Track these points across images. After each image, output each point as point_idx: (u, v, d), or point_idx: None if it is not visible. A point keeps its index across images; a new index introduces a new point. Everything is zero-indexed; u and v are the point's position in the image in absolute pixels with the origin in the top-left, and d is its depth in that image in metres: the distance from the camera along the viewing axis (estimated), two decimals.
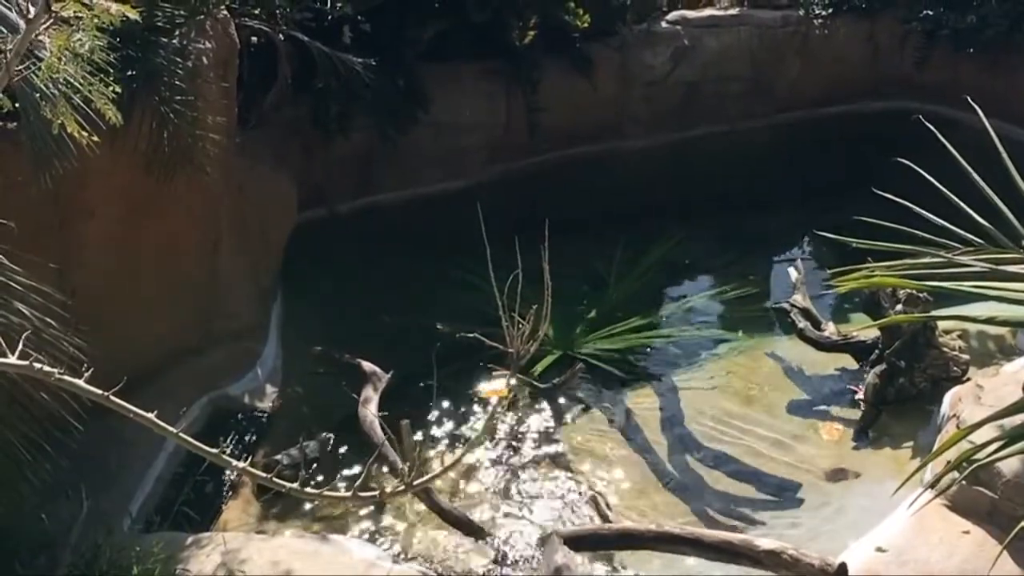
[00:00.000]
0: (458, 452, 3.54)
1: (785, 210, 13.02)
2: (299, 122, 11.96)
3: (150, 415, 3.29)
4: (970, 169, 4.03)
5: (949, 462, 3.49)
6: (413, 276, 11.49)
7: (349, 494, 3.28)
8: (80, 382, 3.35)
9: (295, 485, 3.26)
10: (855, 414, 9.47)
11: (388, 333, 10.45)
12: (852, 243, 4.26)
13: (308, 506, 8.40)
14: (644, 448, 9.35)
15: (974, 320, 3.62)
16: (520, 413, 9.61)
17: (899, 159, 4.93)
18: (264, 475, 3.36)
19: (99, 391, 3.35)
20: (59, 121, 5.14)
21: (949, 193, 4.08)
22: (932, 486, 6.96)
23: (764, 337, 10.95)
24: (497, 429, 9.37)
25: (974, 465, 3.34)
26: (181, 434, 3.32)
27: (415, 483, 3.43)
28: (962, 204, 4.01)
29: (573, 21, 13.40)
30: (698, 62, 14.61)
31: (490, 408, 3.25)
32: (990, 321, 3.54)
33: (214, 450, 3.34)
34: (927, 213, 4.07)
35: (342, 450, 9.08)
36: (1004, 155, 4.01)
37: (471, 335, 4.33)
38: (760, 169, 14.32)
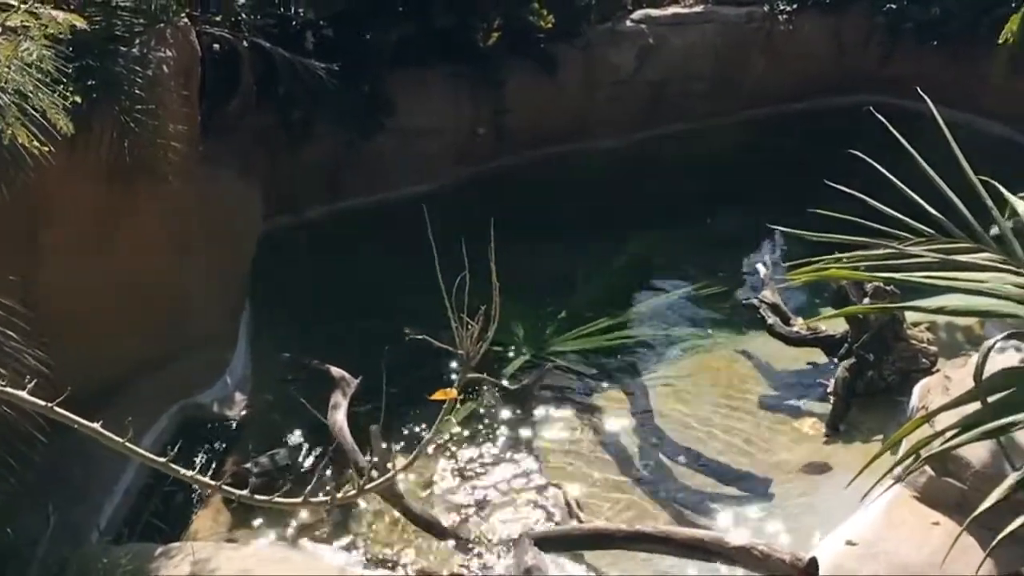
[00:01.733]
0: (410, 456, 3.51)
1: (753, 207, 13.01)
2: (264, 129, 11.91)
3: (95, 425, 3.25)
4: (921, 160, 4.03)
5: (911, 452, 3.48)
6: (381, 281, 11.47)
7: (300, 500, 3.26)
8: (22, 394, 3.31)
9: (244, 492, 3.24)
10: (825, 408, 9.48)
11: (357, 338, 10.42)
12: (806, 236, 4.24)
13: (280, 513, 8.37)
14: (615, 447, 9.34)
15: (924, 310, 3.63)
16: (490, 415, 9.62)
17: (853, 152, 4.91)
18: (212, 483, 3.33)
19: (42, 403, 3.31)
20: (9, 131, 5.08)
21: (901, 185, 4.07)
22: (902, 478, 6.98)
23: (734, 334, 10.97)
24: (469, 431, 9.40)
25: (927, 455, 3.33)
26: (127, 443, 3.29)
27: (366, 487, 3.41)
28: (913, 195, 4.00)
29: (537, 22, 13.39)
30: (663, 61, 14.60)
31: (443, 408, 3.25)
32: (940, 311, 3.53)
33: (161, 459, 3.32)
34: (880, 205, 4.06)
35: (312, 457, 9.05)
36: (953, 144, 4.00)
37: (420, 337, 4.30)
38: (728, 166, 14.33)
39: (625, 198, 13.71)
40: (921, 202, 4.01)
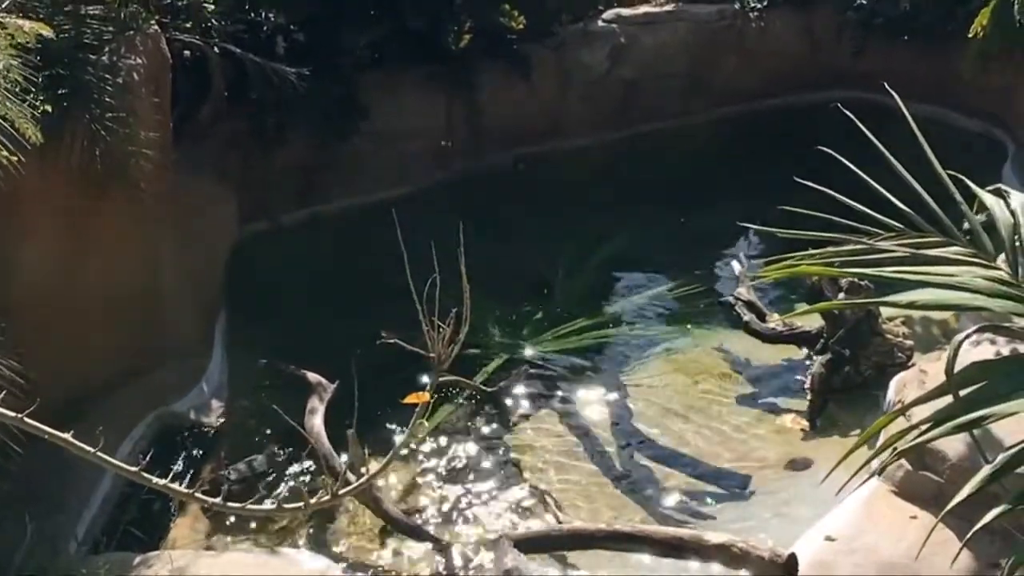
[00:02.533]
0: (383, 461, 3.51)
1: (728, 204, 12.99)
2: (237, 134, 11.89)
3: (66, 436, 3.24)
4: (889, 155, 4.03)
5: (886, 446, 3.50)
6: (357, 284, 11.43)
7: (274, 507, 3.25)
8: None
9: (218, 500, 3.24)
10: (802, 404, 9.50)
11: (333, 343, 10.39)
12: (778, 233, 4.25)
13: (259, 519, 8.35)
14: (593, 447, 9.35)
15: (896, 305, 3.64)
16: (467, 417, 9.63)
17: (821, 148, 4.92)
18: (186, 491, 3.32)
19: (12, 414, 3.30)
20: None
21: (870, 180, 4.08)
22: (878, 472, 6.99)
23: (711, 331, 10.99)
24: (446, 434, 9.41)
25: (901, 448, 3.34)
26: (99, 453, 3.28)
27: (341, 492, 3.41)
28: (883, 191, 4.01)
29: (508, 23, 13.38)
30: (636, 60, 14.60)
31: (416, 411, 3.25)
32: (911, 306, 3.53)
33: (133, 468, 3.31)
34: (850, 201, 4.06)
35: (290, 462, 9.04)
36: (921, 139, 4.01)
37: (392, 341, 4.29)
38: (702, 164, 14.34)
39: (600, 197, 13.70)
40: (891, 197, 4.02)
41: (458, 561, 7.93)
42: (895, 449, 3.43)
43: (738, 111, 15.10)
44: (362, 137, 12.70)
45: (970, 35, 9.53)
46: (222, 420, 9.68)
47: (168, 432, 9.39)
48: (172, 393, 9.65)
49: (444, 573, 7.82)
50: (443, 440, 9.41)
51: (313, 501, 3.42)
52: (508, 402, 9.89)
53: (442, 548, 8.05)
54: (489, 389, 9.84)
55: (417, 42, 13.15)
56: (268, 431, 9.37)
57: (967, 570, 6.30)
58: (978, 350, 6.13)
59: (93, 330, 8.91)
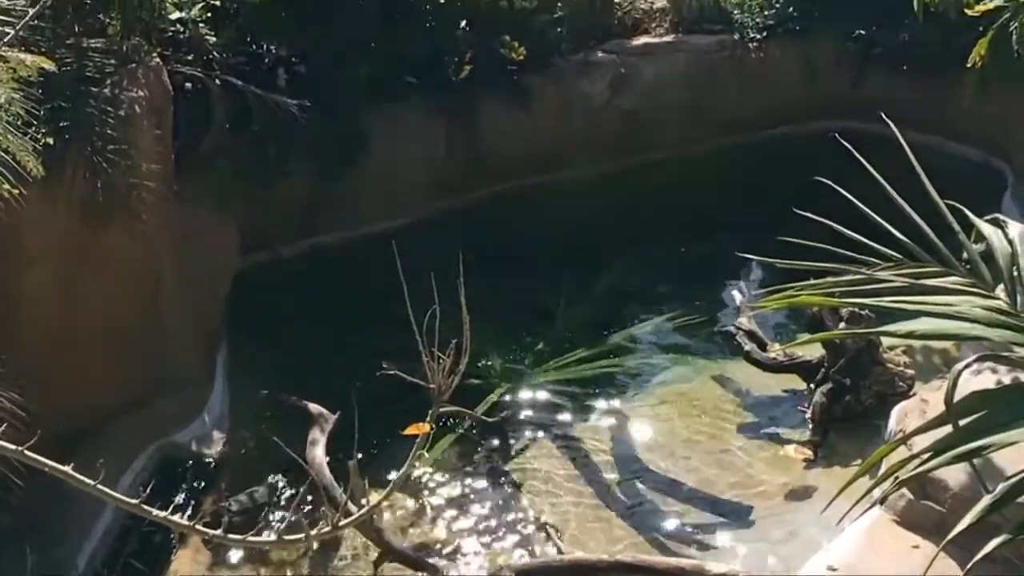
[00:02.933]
0: (384, 492, 3.51)
1: (729, 233, 12.99)
2: (238, 166, 11.88)
3: (66, 468, 3.24)
4: (886, 185, 4.05)
5: (887, 475, 3.50)
6: (358, 315, 11.43)
7: (275, 539, 3.25)
8: None
9: (219, 532, 3.24)
10: (804, 433, 9.50)
11: (335, 373, 10.38)
12: (777, 263, 4.26)
13: (260, 551, 8.34)
14: (595, 477, 9.34)
15: (895, 335, 3.65)
16: (469, 447, 9.63)
17: (820, 178, 4.94)
18: (186, 523, 3.32)
19: (12, 447, 3.30)
20: None
21: (867, 210, 4.10)
22: (880, 502, 6.99)
23: (712, 361, 10.99)
24: (448, 464, 9.40)
25: (901, 478, 3.34)
26: (99, 486, 3.28)
27: (341, 523, 3.41)
28: (881, 221, 4.02)
29: (509, 54, 13.40)
30: (636, 90, 14.59)
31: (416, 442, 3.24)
32: (910, 335, 3.54)
33: (134, 500, 3.31)
34: (848, 231, 4.08)
35: (291, 493, 9.03)
36: (918, 168, 4.03)
37: (392, 372, 4.30)
38: (702, 194, 14.30)
39: (601, 227, 13.69)
40: (889, 227, 4.04)
41: None
42: (896, 478, 3.43)
43: (738, 141, 15.08)
44: (363, 167, 12.70)
45: (968, 65, 9.54)
46: (223, 451, 9.68)
47: (169, 463, 9.39)
48: (173, 424, 9.65)
49: None
50: (444, 471, 9.41)
51: (314, 532, 3.42)
52: (509, 432, 9.89)
53: None
54: (490, 419, 9.83)
55: (417, 73, 13.18)
56: (269, 462, 9.36)
57: None
58: (979, 379, 6.13)
59: (94, 361, 8.92)
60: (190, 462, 9.50)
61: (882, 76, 14.28)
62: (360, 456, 7.36)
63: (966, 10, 8.00)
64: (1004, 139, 13.32)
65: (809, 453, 9.38)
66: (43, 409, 6.60)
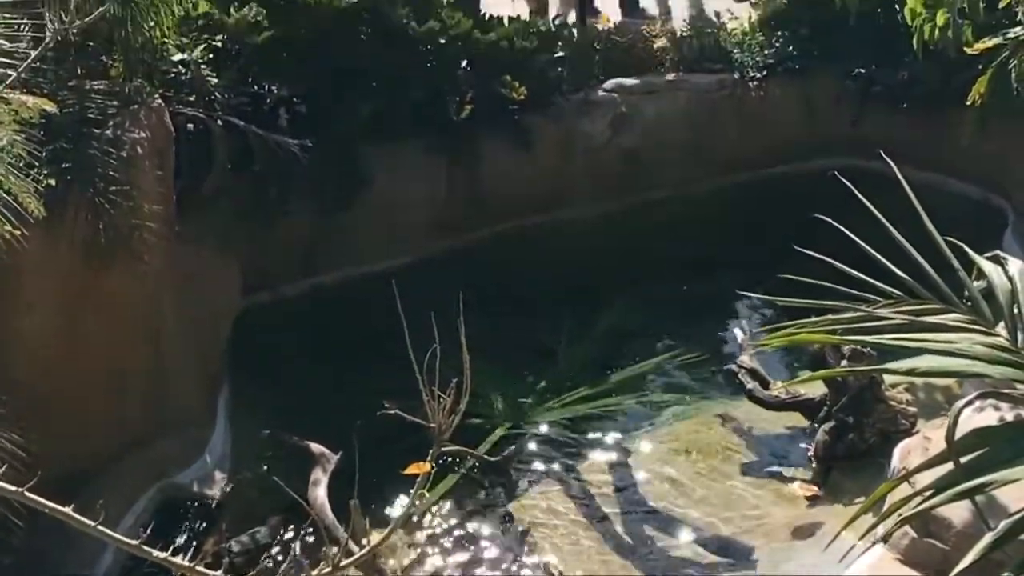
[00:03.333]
0: (386, 531, 3.51)
1: (730, 271, 13.00)
2: (240, 206, 11.90)
3: (66, 509, 3.24)
4: (886, 222, 4.06)
5: (889, 513, 3.50)
6: (360, 354, 11.42)
7: None
8: None
9: (219, 573, 3.23)
10: (807, 472, 9.48)
11: (337, 413, 10.38)
12: (778, 301, 4.27)
13: None
14: (597, 516, 9.33)
15: (896, 372, 3.66)
16: (471, 487, 9.61)
17: (819, 216, 4.96)
18: (187, 564, 3.31)
19: (12, 488, 3.30)
20: None
21: (868, 248, 4.11)
22: (884, 539, 6.97)
23: (714, 399, 10.98)
24: (449, 504, 9.39)
25: (903, 516, 3.34)
26: (99, 527, 3.28)
27: (342, 563, 3.40)
28: (881, 258, 4.03)
29: (509, 94, 13.44)
30: (637, 129, 14.60)
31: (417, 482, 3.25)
32: (911, 373, 3.55)
33: (134, 541, 3.30)
34: (849, 269, 4.09)
35: (293, 534, 9.01)
36: (918, 206, 4.04)
37: (392, 412, 4.30)
38: (703, 232, 14.30)
39: (602, 266, 13.69)
40: (889, 265, 4.05)
41: None
42: (899, 515, 3.43)
43: (739, 179, 15.08)
44: (364, 207, 12.72)
45: (968, 102, 9.57)
46: (225, 491, 9.66)
47: (171, 504, 9.38)
48: (175, 465, 9.64)
49: None
50: (446, 510, 9.39)
51: (315, 573, 3.41)
52: (511, 471, 9.87)
53: None
54: (492, 459, 9.83)
55: (418, 113, 13.21)
56: (271, 502, 9.34)
57: None
58: (981, 416, 6.11)
59: (95, 402, 8.92)
60: (191, 503, 9.48)
61: (882, 114, 14.30)
62: (361, 496, 7.32)
63: (965, 48, 8.01)
64: (1004, 177, 13.34)
65: (815, 489, 9.36)
66: (44, 450, 6.60)
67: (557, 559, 8.77)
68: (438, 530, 9.14)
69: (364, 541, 7.56)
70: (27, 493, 3.15)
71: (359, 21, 12.63)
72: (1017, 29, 8.62)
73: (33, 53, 5.85)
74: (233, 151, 11.45)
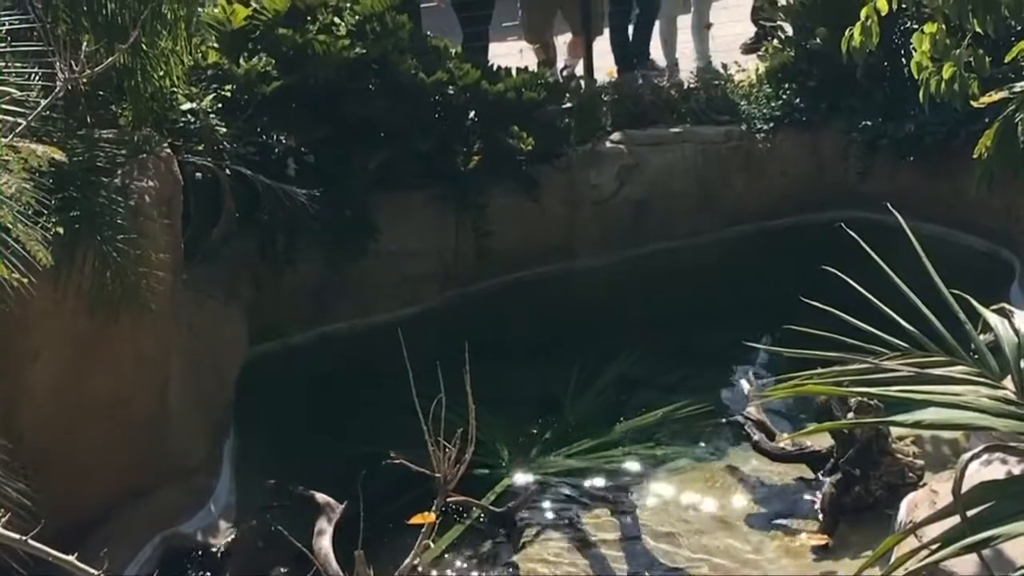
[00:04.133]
0: None
1: (738, 323, 12.97)
2: (248, 255, 11.95)
3: (70, 558, 3.23)
4: (893, 275, 4.07)
5: (896, 566, 3.49)
6: (368, 404, 11.42)
7: None
8: None
9: None
10: (813, 524, 9.44)
11: (342, 463, 10.36)
12: (784, 352, 4.28)
13: None
14: (603, 568, 9.27)
15: (902, 424, 3.67)
16: (476, 538, 9.58)
17: (826, 268, 4.97)
18: None
19: (17, 536, 3.30)
20: None
21: (875, 300, 4.12)
22: None
23: (720, 451, 10.93)
24: (454, 555, 9.36)
25: (909, 569, 3.34)
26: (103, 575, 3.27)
27: None
28: (888, 310, 4.04)
29: (517, 144, 13.49)
30: (644, 180, 14.63)
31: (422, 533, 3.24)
32: (917, 425, 3.55)
33: None
34: (855, 320, 4.09)
35: None
36: (924, 258, 4.05)
37: (398, 461, 4.31)
38: (711, 284, 14.32)
39: (609, 317, 13.70)
40: (896, 317, 4.05)
41: None
42: (906, 569, 3.42)
43: (747, 231, 15.11)
44: (371, 257, 12.76)
45: (975, 155, 9.59)
46: (230, 541, 9.63)
47: (175, 554, 9.34)
48: (179, 514, 9.61)
49: None
50: (450, 561, 9.36)
51: None
52: (516, 522, 9.84)
53: None
54: (497, 509, 9.80)
55: (426, 163, 13.26)
56: (276, 552, 9.30)
57: None
58: (988, 470, 6.09)
59: (100, 451, 8.90)
60: (196, 552, 9.44)
61: (889, 167, 14.33)
62: (366, 546, 7.30)
63: (972, 101, 8.04)
64: (1011, 229, 13.34)
65: (826, 538, 9.28)
66: (48, 499, 6.59)
67: None
68: None
69: None
70: (31, 541, 3.15)
71: (368, 72, 12.71)
72: (1023, 83, 8.66)
73: (43, 102, 5.89)
74: (241, 200, 11.49)
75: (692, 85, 15.74)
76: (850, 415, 9.25)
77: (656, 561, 9.37)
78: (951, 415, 3.58)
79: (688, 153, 14.89)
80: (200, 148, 10.83)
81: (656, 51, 17.16)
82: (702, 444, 11.11)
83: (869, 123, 14.51)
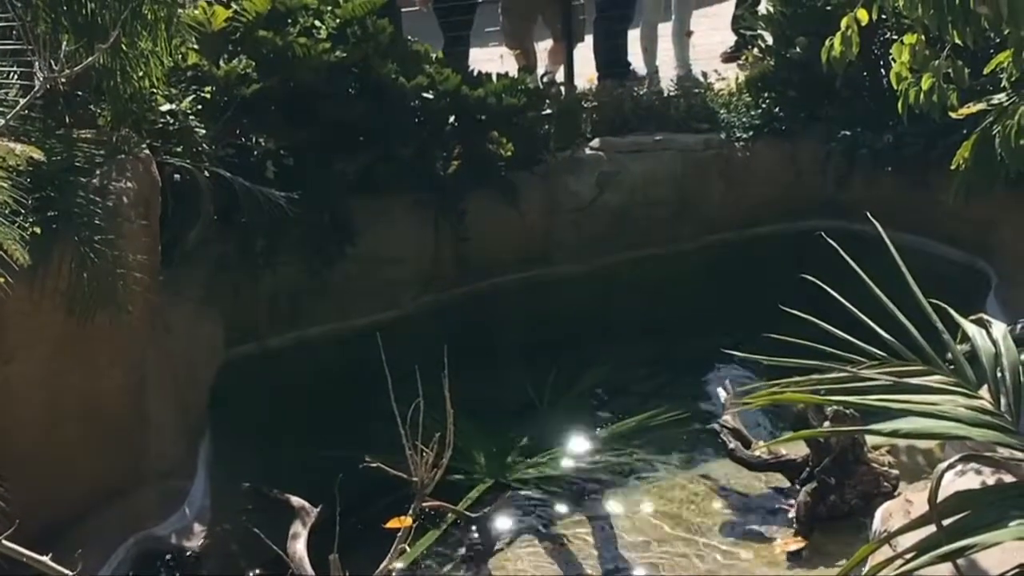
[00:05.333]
0: None
1: (715, 331, 12.97)
2: (225, 258, 11.91)
3: (44, 558, 3.22)
4: (871, 283, 4.08)
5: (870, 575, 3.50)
6: (344, 409, 11.40)
7: None
8: None
9: None
10: (788, 533, 9.45)
11: (318, 467, 10.30)
12: (762, 360, 4.28)
13: None
14: (576, 574, 9.28)
15: (879, 433, 3.68)
16: (451, 543, 9.57)
17: (805, 276, 4.98)
18: None
19: None
20: None
21: (853, 309, 4.13)
22: None
23: (695, 458, 10.94)
24: (429, 559, 9.34)
25: None
26: None
27: None
28: (866, 319, 4.05)
29: (497, 150, 13.48)
30: (624, 187, 14.62)
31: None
32: (894, 434, 3.56)
33: None
34: (834, 329, 4.10)
35: None
36: (903, 268, 4.06)
37: (374, 465, 4.31)
38: (689, 292, 14.36)
39: (587, 323, 13.73)
40: (874, 326, 4.06)
41: None
42: None
43: (726, 238, 15.12)
44: (350, 261, 12.72)
45: (953, 167, 9.63)
46: (204, 544, 9.59)
47: (149, 556, 9.30)
48: (154, 517, 9.56)
49: None
50: (426, 566, 9.34)
51: None
52: (492, 528, 9.84)
53: None
54: (473, 515, 9.80)
55: (406, 168, 13.23)
56: (250, 556, 9.28)
57: None
58: (963, 480, 6.11)
59: (75, 453, 8.87)
60: (170, 555, 9.40)
61: (867, 177, 14.37)
62: (341, 550, 7.28)
63: (950, 113, 8.07)
64: (988, 241, 13.38)
65: (800, 542, 9.28)
66: (22, 500, 6.57)
67: None
68: None
69: None
70: (5, 542, 3.13)
71: (348, 75, 12.70)
72: (1001, 95, 8.70)
73: (22, 101, 5.87)
74: (220, 203, 11.46)
75: (672, 93, 15.77)
76: (826, 424, 9.28)
77: (629, 568, 9.37)
78: (928, 424, 3.59)
79: (667, 161, 14.89)
80: (179, 150, 10.79)
81: (636, 58, 17.18)
82: (678, 452, 11.11)
83: (848, 133, 14.56)
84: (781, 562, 9.22)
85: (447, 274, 13.83)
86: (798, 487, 9.73)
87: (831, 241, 4.78)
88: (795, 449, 10.08)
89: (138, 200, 9.19)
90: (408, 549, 8.95)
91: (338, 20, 12.54)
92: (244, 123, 12.12)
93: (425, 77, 13.09)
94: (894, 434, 3.52)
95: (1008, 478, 5.55)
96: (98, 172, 8.71)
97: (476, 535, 9.76)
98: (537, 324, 13.62)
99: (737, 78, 15.82)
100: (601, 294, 14.43)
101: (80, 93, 9.41)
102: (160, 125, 10.79)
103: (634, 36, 17.27)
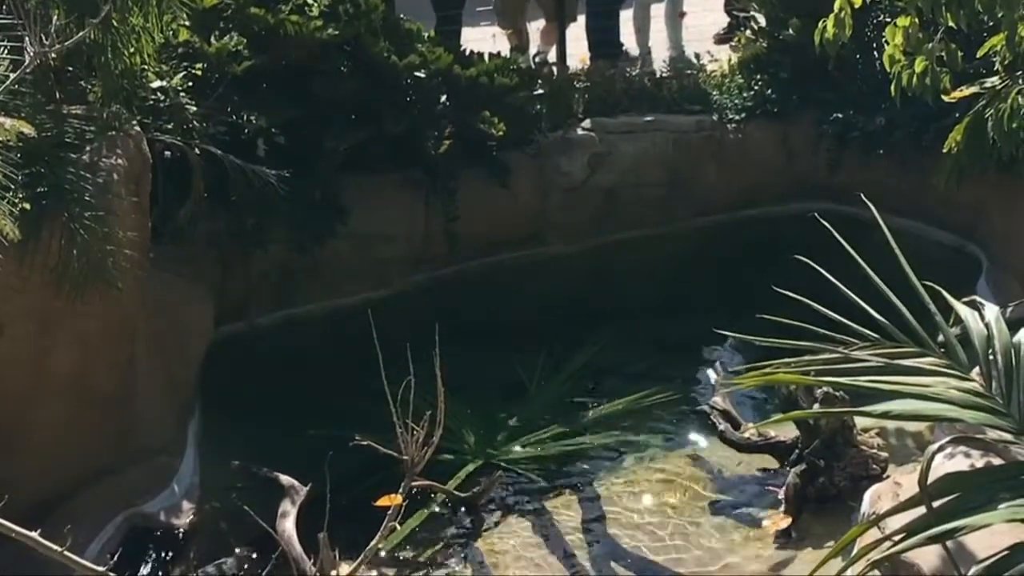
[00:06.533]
0: (354, 564, 3.49)
1: (706, 312, 13.03)
2: (216, 235, 11.87)
3: (33, 534, 3.21)
4: (864, 264, 4.08)
5: (858, 557, 3.50)
6: (334, 387, 11.37)
7: None
8: None
9: None
10: (777, 514, 9.46)
11: (307, 445, 10.30)
12: (754, 341, 4.28)
13: None
14: (567, 556, 9.27)
15: (870, 415, 3.68)
16: (441, 522, 9.58)
17: (798, 257, 4.97)
18: None
19: None
20: None
21: (846, 290, 4.12)
22: None
23: (685, 440, 10.97)
24: (419, 538, 9.35)
25: (873, 559, 3.34)
26: (67, 552, 3.24)
27: None
28: (859, 300, 4.04)
29: (489, 130, 13.44)
30: (615, 168, 14.61)
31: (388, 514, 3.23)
32: (885, 415, 3.56)
33: (101, 568, 3.27)
34: (826, 310, 4.10)
35: (260, 565, 8.94)
36: (896, 250, 4.05)
37: (365, 444, 4.30)
38: (681, 273, 14.33)
39: (578, 304, 13.73)
40: (867, 307, 4.06)
41: None
42: (868, 560, 3.42)
43: (718, 220, 15.11)
44: (341, 239, 12.69)
45: (945, 150, 9.63)
46: (193, 521, 9.57)
47: (138, 533, 9.29)
48: (143, 494, 9.54)
49: None
50: (415, 545, 9.35)
51: None
52: (481, 508, 9.84)
53: None
54: (463, 494, 9.80)
55: (397, 147, 13.20)
56: (239, 533, 9.27)
57: None
58: (953, 462, 6.12)
59: (64, 429, 8.86)
60: (159, 532, 9.39)
61: (859, 160, 14.36)
62: (331, 529, 7.27)
63: (943, 96, 8.07)
64: (979, 224, 13.39)
65: (788, 519, 9.28)
66: (11, 476, 6.56)
67: None
68: (406, 564, 9.07)
69: (332, 574, 7.50)
70: None
71: (340, 53, 12.65)
72: (994, 79, 8.70)
73: (12, 76, 5.84)
74: (210, 180, 11.42)
75: (665, 74, 15.75)
76: (816, 406, 9.28)
77: (619, 548, 9.38)
78: (919, 406, 3.59)
79: (659, 142, 14.87)
80: (170, 127, 10.75)
81: (629, 39, 17.16)
82: (668, 433, 11.13)
83: (840, 116, 14.54)
84: (770, 543, 9.24)
85: (438, 253, 13.81)
86: (787, 469, 9.75)
87: (824, 222, 4.77)
88: (785, 431, 10.09)
89: (128, 177, 9.16)
90: (398, 527, 8.99)
91: None
92: (235, 100, 12.06)
93: (417, 56, 13.05)
94: (885, 415, 3.51)
95: (998, 460, 5.56)
96: (88, 148, 8.68)
97: (466, 514, 9.76)
98: (528, 304, 13.62)
99: (729, 59, 15.79)
100: (592, 275, 14.42)
101: (71, 68, 9.37)
102: (151, 102, 10.74)
103: (627, 17, 17.27)
